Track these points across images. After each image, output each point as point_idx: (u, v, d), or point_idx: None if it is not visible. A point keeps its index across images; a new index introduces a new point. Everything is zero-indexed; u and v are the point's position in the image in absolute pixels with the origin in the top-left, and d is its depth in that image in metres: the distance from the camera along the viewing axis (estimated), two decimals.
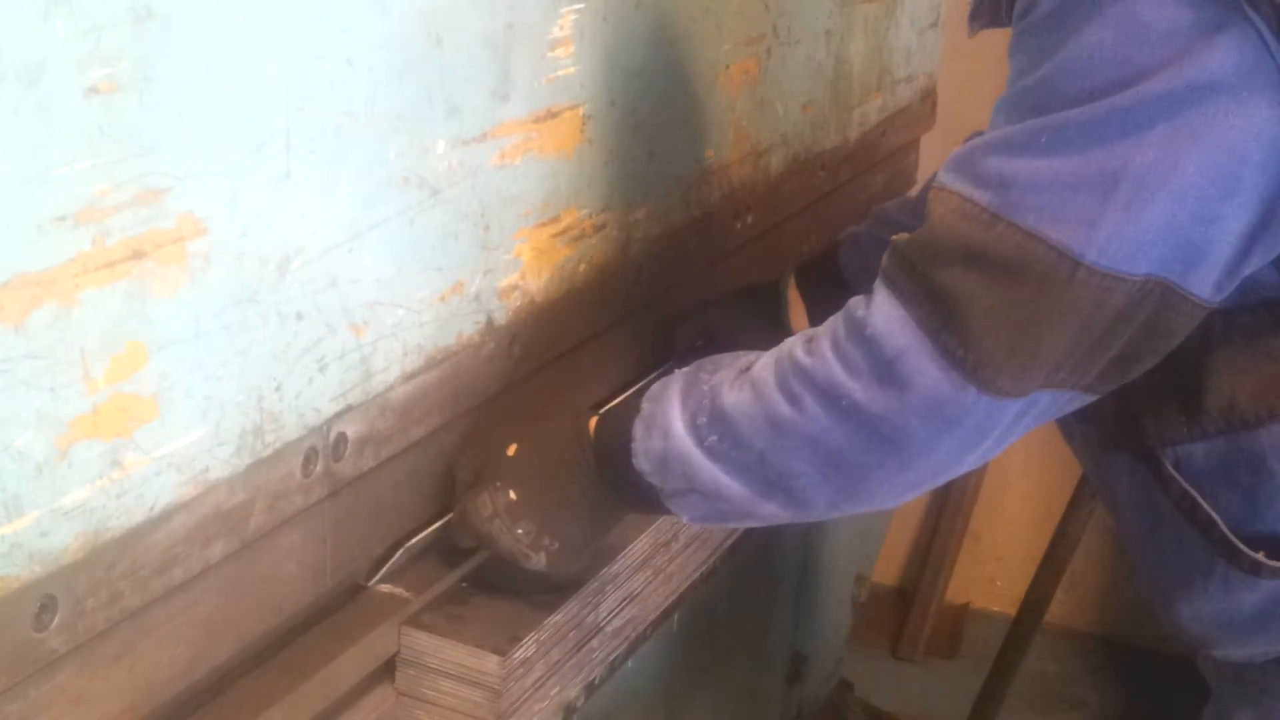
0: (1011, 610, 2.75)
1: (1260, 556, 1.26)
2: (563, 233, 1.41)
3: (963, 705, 2.80)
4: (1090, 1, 1.08)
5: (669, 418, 1.20)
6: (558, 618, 1.30)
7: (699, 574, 1.56)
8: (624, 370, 1.64)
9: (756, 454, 1.17)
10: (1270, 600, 1.28)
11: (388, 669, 1.27)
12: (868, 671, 2.88)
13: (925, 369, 1.10)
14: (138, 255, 0.93)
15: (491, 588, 1.32)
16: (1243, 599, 1.29)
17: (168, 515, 1.00)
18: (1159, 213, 1.06)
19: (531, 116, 1.31)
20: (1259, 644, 1.32)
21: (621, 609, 1.41)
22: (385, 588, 1.28)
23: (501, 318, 1.34)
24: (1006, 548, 3.38)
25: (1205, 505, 1.27)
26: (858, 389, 1.12)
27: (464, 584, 1.33)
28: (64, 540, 0.92)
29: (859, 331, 1.13)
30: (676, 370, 1.25)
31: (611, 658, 1.40)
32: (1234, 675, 1.39)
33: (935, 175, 1.48)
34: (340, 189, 1.10)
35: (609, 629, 1.40)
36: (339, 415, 1.15)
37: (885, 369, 1.11)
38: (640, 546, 1.44)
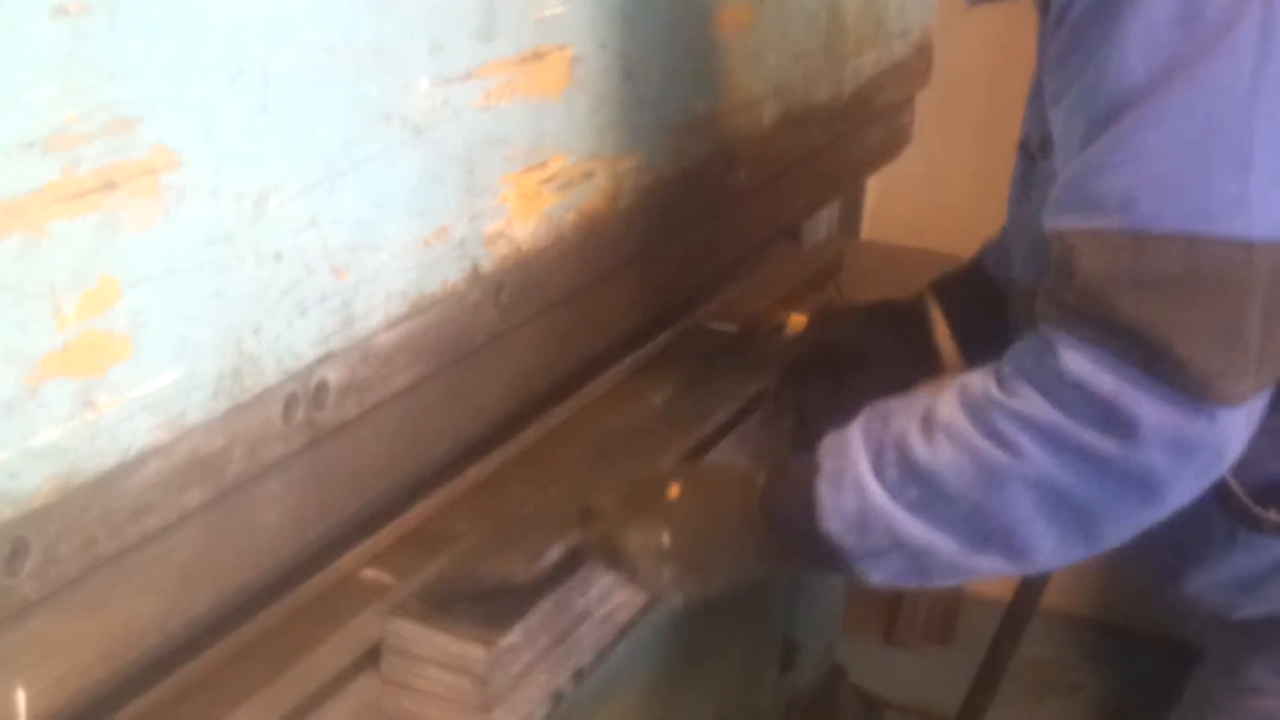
0: (1006, 595, 2.72)
1: (1274, 516, 1.24)
2: (550, 179, 1.38)
3: (958, 691, 2.76)
4: None
5: (859, 474, 1.15)
6: (546, 604, 1.28)
7: None
8: (616, 328, 1.61)
9: (969, 506, 1.11)
10: None
11: (373, 656, 1.24)
12: (861, 658, 2.84)
13: (1147, 403, 1.05)
14: (109, 186, 0.89)
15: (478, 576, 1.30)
16: (1263, 559, 1.28)
17: (143, 459, 0.97)
18: None
19: (518, 57, 1.28)
20: (1277, 599, 1.30)
21: (610, 595, 1.39)
22: (369, 572, 1.26)
23: (487, 265, 1.30)
24: None
25: (1226, 476, 1.23)
26: (1086, 433, 1.07)
27: (449, 570, 1.30)
28: (35, 482, 0.89)
29: (1060, 378, 1.08)
30: (853, 424, 1.19)
31: (600, 645, 1.38)
32: (1241, 631, 1.38)
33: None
34: (320, 125, 1.06)
35: (597, 615, 1.37)
36: (320, 361, 1.12)
37: (1106, 411, 1.06)
38: None
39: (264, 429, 1.07)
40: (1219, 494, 1.25)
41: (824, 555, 1.17)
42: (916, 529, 1.13)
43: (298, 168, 1.05)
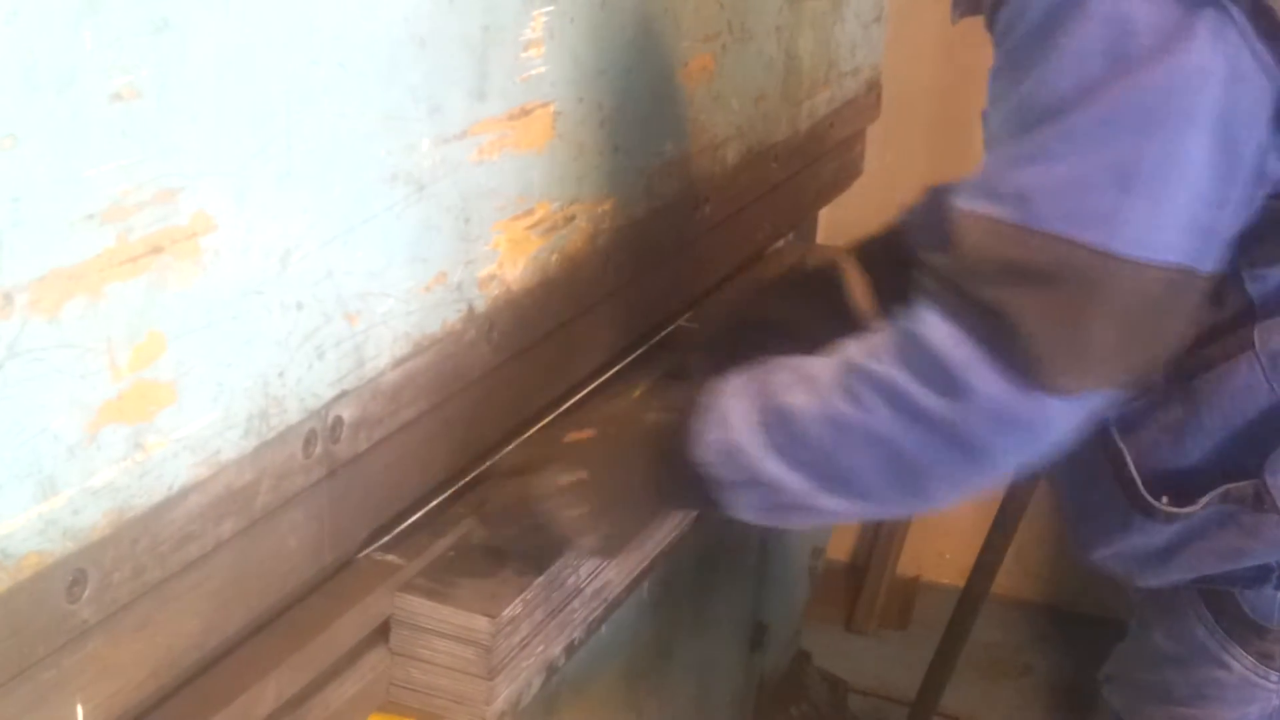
0: (961, 582, 2.85)
1: (1165, 504, 1.38)
2: (536, 224, 1.48)
3: (916, 675, 2.89)
4: (1076, 3, 1.15)
5: (732, 411, 1.27)
6: (542, 579, 1.37)
7: (669, 542, 1.64)
8: (597, 357, 1.71)
9: (820, 452, 1.23)
10: (1174, 539, 1.40)
11: (383, 631, 1.33)
12: (824, 644, 2.97)
13: (986, 377, 1.15)
14: (156, 250, 0.99)
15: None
16: (1154, 540, 1.41)
17: (184, 494, 1.06)
18: (1177, 199, 1.14)
19: (507, 114, 1.39)
20: (1171, 574, 1.45)
21: (599, 572, 1.49)
22: (379, 556, 1.35)
23: (481, 306, 1.41)
24: (954, 522, 3.45)
25: (1130, 466, 1.38)
26: (922, 395, 1.17)
27: (452, 552, 1.40)
28: (93, 518, 0.98)
29: (916, 342, 1.19)
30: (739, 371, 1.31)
31: (590, 619, 1.48)
32: (1151, 597, 1.53)
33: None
34: (335, 186, 1.16)
35: (588, 591, 1.46)
36: (336, 400, 1.21)
37: (947, 378, 1.16)
38: None
39: (288, 463, 1.17)
40: (1120, 480, 1.39)
41: (697, 485, 1.28)
42: (771, 466, 1.24)
43: (317, 225, 1.15)
